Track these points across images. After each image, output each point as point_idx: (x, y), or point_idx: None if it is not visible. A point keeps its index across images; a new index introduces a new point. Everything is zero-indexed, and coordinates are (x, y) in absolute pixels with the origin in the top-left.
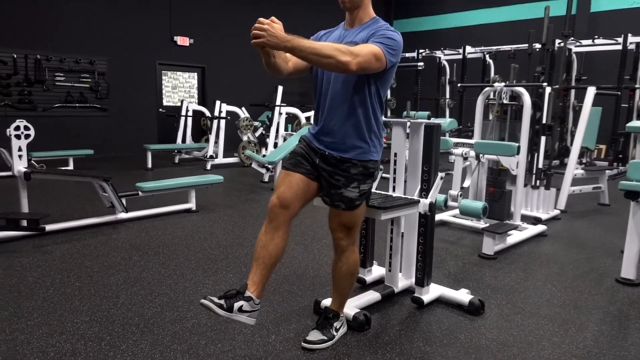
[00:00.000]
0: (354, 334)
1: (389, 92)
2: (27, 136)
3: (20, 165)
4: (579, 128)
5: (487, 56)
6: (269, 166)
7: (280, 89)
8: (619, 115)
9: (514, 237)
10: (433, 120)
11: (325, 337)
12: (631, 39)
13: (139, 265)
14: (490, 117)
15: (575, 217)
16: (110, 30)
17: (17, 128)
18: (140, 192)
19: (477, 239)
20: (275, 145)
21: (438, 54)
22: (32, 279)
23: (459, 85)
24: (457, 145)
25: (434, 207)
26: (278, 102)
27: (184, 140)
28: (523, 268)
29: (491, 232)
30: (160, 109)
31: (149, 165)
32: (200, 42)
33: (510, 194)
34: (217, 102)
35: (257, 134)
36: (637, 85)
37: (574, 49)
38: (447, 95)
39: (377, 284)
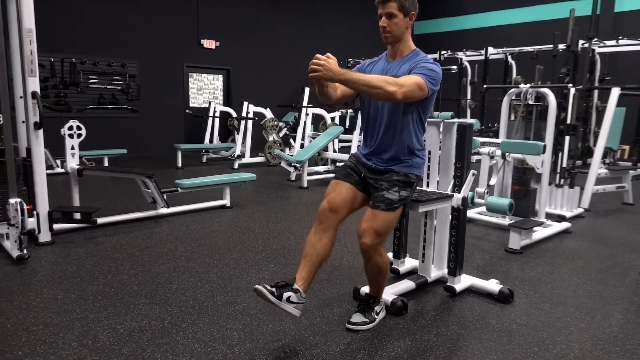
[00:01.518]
0: (392, 318)
1: None
2: (79, 135)
3: (72, 163)
4: (603, 128)
5: (509, 57)
6: (297, 165)
7: (307, 90)
8: None
9: (539, 233)
10: (466, 120)
11: (367, 320)
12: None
13: (185, 256)
14: (512, 117)
15: (599, 215)
16: (141, 34)
17: (71, 128)
18: (179, 189)
19: (502, 235)
20: (302, 145)
21: (459, 55)
22: (90, 267)
23: (484, 86)
24: (483, 144)
25: (466, 201)
26: (305, 103)
27: (211, 140)
28: (549, 262)
29: (517, 228)
30: (187, 110)
31: (179, 164)
32: (226, 45)
33: (535, 192)
34: (245, 103)
35: (281, 134)
36: None
37: (597, 49)
38: (469, 96)
39: (410, 274)
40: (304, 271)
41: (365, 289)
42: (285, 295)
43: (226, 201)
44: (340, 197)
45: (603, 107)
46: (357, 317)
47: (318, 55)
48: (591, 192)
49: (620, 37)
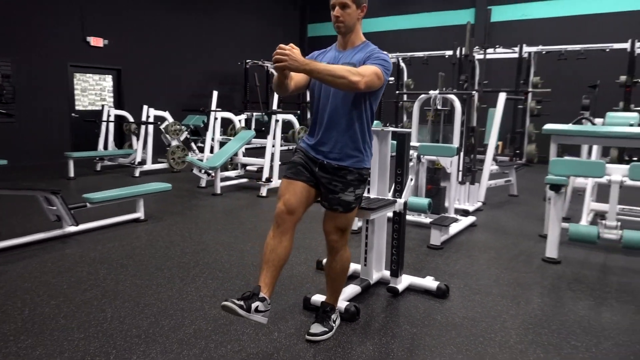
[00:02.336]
0: (347, 324)
1: (307, 94)
2: None
3: None
4: (494, 128)
5: (401, 61)
6: (210, 172)
7: (215, 93)
8: (517, 116)
9: (453, 228)
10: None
11: (326, 329)
12: (526, 48)
13: (111, 279)
14: (405, 118)
15: (493, 207)
16: (16, 29)
17: None
18: (88, 204)
19: (420, 232)
20: (212, 150)
21: None
22: None
23: (396, 92)
24: None
25: (407, 206)
26: (213, 107)
27: (106, 147)
28: (467, 255)
29: (438, 225)
30: (73, 114)
31: (71, 174)
32: (116, 43)
33: (445, 189)
34: (145, 107)
35: (181, 139)
36: (530, 89)
37: (477, 56)
38: None
39: (352, 278)
40: (267, 277)
41: (317, 298)
42: (254, 305)
43: (140, 214)
44: (295, 198)
45: (482, 107)
46: (316, 328)
47: (282, 45)
48: (486, 187)
49: (498, 46)
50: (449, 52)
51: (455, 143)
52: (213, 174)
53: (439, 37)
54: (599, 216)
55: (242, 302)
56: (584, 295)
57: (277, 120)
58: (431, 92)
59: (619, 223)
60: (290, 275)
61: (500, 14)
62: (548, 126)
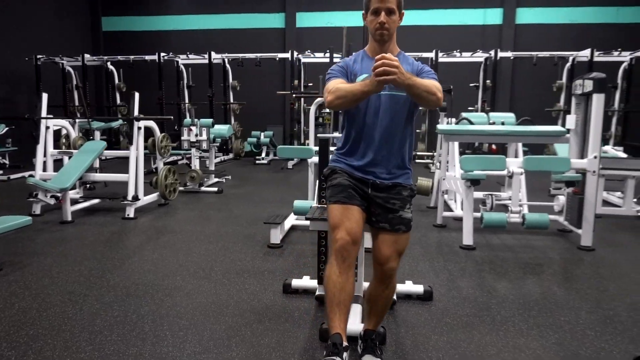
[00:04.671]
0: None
1: (118, 96)
2: None
3: None
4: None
5: (226, 62)
6: (59, 195)
7: (45, 97)
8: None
9: None
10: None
11: (380, 359)
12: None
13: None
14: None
15: None
16: None
17: None
18: None
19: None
20: (44, 166)
21: (181, 57)
22: None
23: (293, 95)
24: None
25: None
26: (44, 114)
27: None
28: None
29: None
30: None
31: None
32: None
33: None
34: None
35: None
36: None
37: (303, 60)
38: (187, 100)
39: None
40: (341, 322)
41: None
42: (344, 356)
43: None
44: (357, 224)
45: (309, 109)
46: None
47: (387, 56)
48: None
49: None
50: (282, 55)
51: None
52: (62, 198)
53: (251, 40)
54: (480, 203)
55: (338, 358)
56: (522, 274)
57: (139, 128)
58: None
59: (521, 208)
60: (267, 307)
61: (307, 20)
62: (440, 126)
